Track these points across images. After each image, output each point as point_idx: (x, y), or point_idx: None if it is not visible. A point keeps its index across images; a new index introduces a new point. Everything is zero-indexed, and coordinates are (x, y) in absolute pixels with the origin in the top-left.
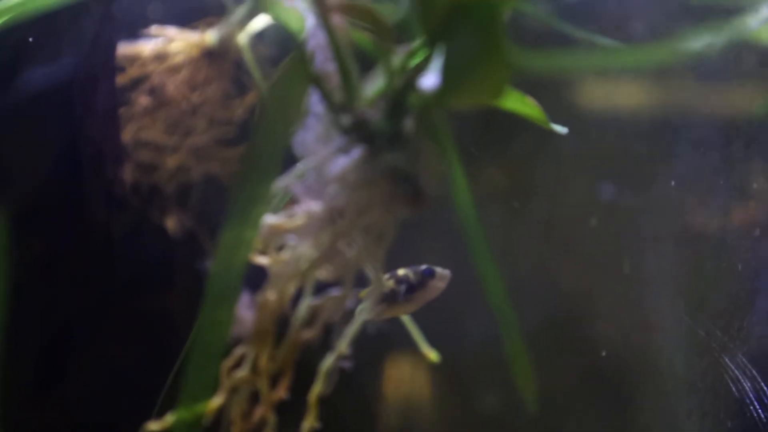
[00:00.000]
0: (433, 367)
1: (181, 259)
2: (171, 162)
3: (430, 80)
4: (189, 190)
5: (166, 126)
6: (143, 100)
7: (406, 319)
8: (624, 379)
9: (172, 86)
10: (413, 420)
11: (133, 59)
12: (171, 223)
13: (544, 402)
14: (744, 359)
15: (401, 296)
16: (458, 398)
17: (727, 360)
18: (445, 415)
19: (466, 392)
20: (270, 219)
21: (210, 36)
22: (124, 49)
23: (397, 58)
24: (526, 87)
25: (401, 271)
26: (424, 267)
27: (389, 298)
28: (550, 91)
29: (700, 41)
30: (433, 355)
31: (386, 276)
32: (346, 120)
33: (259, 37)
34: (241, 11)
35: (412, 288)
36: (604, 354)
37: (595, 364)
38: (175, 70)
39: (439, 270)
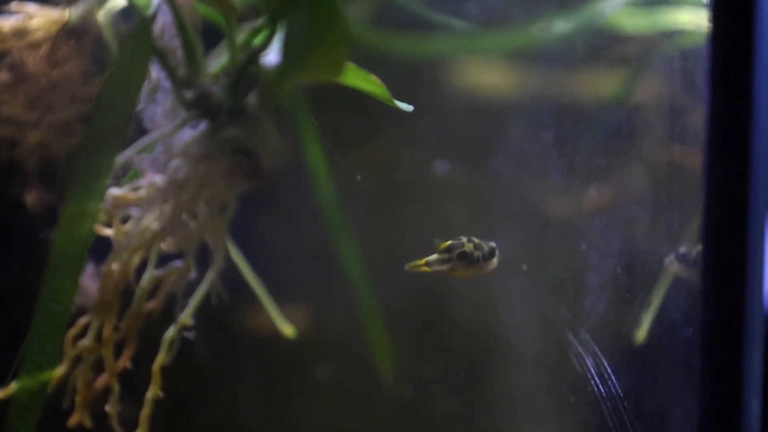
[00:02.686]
0: (290, 342)
1: (40, 234)
2: (32, 138)
3: (272, 57)
4: (51, 166)
5: (26, 102)
6: (2, 76)
7: (263, 295)
8: (474, 356)
9: (32, 62)
10: (270, 394)
11: None
12: (31, 199)
13: (398, 377)
14: (587, 336)
15: (480, 261)
16: (317, 373)
17: (571, 337)
18: (302, 389)
19: (324, 366)
20: (114, 191)
21: (70, 13)
22: None
23: (241, 35)
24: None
25: (475, 239)
26: (493, 243)
27: (467, 258)
28: (408, 74)
29: (553, 27)
30: (288, 329)
31: (464, 239)
32: (189, 94)
33: (119, 14)
34: None
35: (484, 257)
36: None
37: (449, 343)
38: (35, 46)
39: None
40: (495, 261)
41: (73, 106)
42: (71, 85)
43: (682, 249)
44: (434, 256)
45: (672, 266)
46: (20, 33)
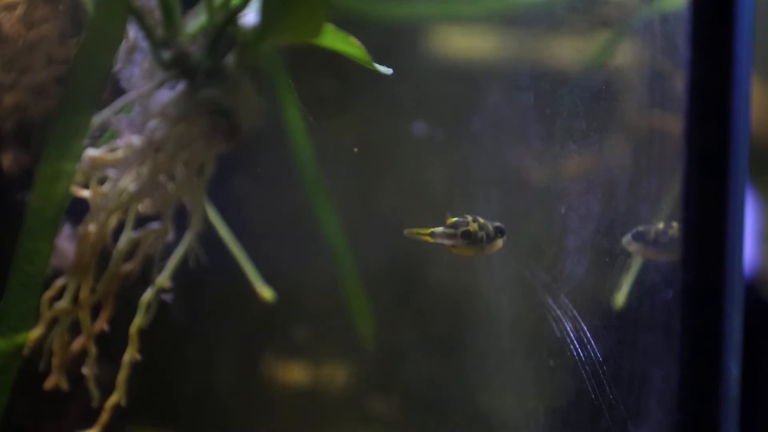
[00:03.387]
0: (271, 306)
1: (16, 196)
2: (8, 99)
3: (250, 18)
4: (27, 127)
5: (2, 63)
6: None
7: (242, 258)
8: (453, 321)
9: (8, 23)
10: (241, 358)
11: None
12: (6, 160)
13: (378, 343)
14: (566, 300)
15: (485, 241)
16: (295, 336)
17: (550, 300)
18: (275, 353)
19: (305, 333)
20: (91, 152)
21: None
22: None
23: None
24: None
25: (480, 219)
26: (498, 224)
27: (470, 238)
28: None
29: None
30: (267, 292)
31: (470, 218)
32: (167, 55)
33: None
34: None
35: (488, 238)
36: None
37: (426, 306)
38: (10, 6)
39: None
40: (500, 242)
41: (50, 67)
42: (48, 47)
43: (641, 228)
44: (440, 229)
45: (630, 246)
46: None
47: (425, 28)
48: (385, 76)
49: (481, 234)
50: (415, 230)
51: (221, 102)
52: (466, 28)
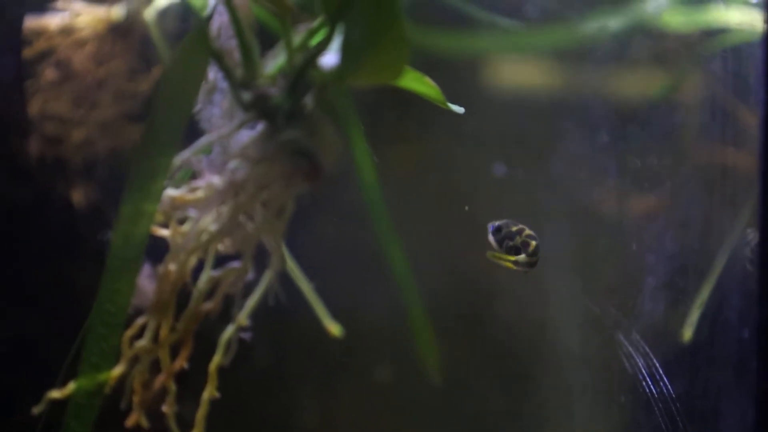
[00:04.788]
0: (336, 341)
1: (85, 232)
2: (77, 135)
3: (329, 58)
4: (95, 163)
5: (72, 99)
6: (49, 74)
7: (310, 294)
8: (522, 355)
9: (78, 60)
10: (314, 392)
11: (40, 33)
12: (76, 196)
13: (446, 377)
14: (637, 335)
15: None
16: (362, 372)
17: (621, 336)
18: (347, 388)
19: (370, 366)
20: (171, 192)
21: (116, 11)
22: (30, 22)
23: (298, 36)
24: (428, 67)
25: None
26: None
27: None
28: (452, 72)
29: (596, 25)
30: (335, 328)
31: (524, 229)
32: (247, 96)
33: (166, 13)
34: None
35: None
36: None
37: (494, 341)
38: (81, 44)
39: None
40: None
41: (118, 103)
42: (116, 83)
43: (499, 223)
44: (523, 257)
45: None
46: (67, 31)
47: (494, 62)
48: (450, 111)
49: (508, 244)
50: (498, 255)
51: (302, 143)
52: (533, 63)
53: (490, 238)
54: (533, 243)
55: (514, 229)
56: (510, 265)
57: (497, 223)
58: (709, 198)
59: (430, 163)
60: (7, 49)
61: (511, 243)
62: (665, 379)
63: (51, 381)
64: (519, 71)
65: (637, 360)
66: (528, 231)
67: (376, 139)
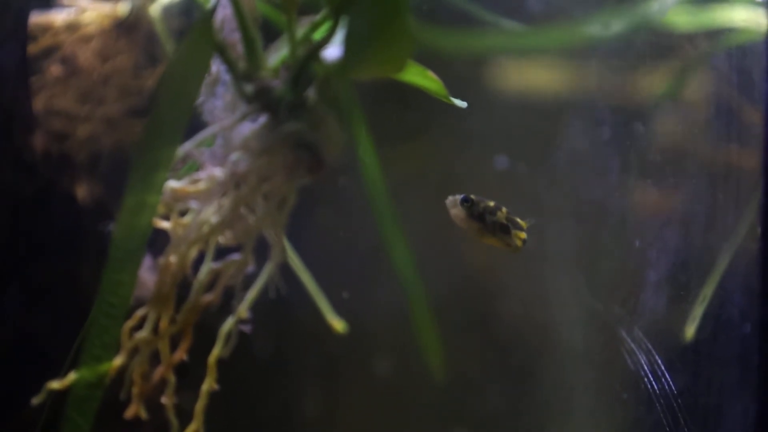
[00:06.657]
0: (339, 337)
1: (90, 227)
2: (82, 131)
3: (332, 51)
4: (100, 159)
5: (77, 95)
6: (55, 69)
7: (313, 289)
8: (525, 353)
9: (84, 56)
10: (315, 386)
11: (45, 28)
12: (81, 192)
13: (448, 374)
14: (640, 332)
15: (493, 228)
16: (363, 367)
17: (623, 333)
18: (347, 383)
19: (372, 361)
20: (173, 184)
21: (122, 7)
22: (36, 18)
23: (301, 29)
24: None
25: (504, 209)
26: (518, 219)
27: (472, 210)
28: (456, 70)
29: (600, 24)
30: (339, 324)
31: (491, 203)
32: (249, 88)
33: (171, 9)
34: None
35: (499, 226)
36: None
37: (497, 337)
38: (86, 40)
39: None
40: (517, 240)
41: (124, 99)
42: (122, 79)
43: (473, 196)
44: (522, 233)
45: (453, 207)
46: (72, 27)
47: (498, 61)
48: (457, 108)
49: (491, 219)
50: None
51: (305, 135)
52: (539, 62)
53: (457, 209)
54: (519, 219)
55: (492, 204)
56: (519, 243)
57: (460, 195)
58: (713, 195)
59: (434, 159)
60: (12, 45)
61: (494, 218)
62: (667, 375)
63: (55, 374)
64: (523, 69)
65: (640, 357)
66: (504, 207)
67: (379, 134)
